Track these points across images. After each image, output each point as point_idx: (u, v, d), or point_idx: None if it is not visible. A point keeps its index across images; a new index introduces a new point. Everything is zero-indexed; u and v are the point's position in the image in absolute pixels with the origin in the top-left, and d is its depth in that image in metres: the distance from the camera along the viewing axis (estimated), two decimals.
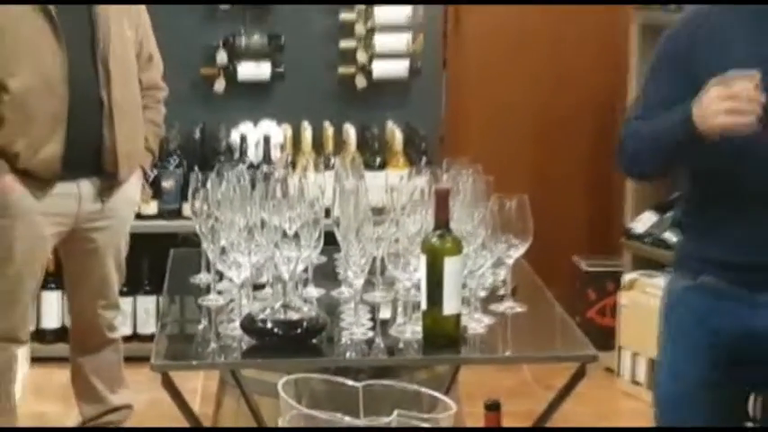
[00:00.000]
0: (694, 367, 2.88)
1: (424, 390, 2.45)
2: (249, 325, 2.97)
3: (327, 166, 4.21)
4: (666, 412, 3.00)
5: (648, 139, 2.88)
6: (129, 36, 4.06)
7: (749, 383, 2.99)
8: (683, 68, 2.84)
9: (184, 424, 3.18)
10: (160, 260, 3.82)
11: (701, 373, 2.87)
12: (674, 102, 2.78)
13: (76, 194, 4.01)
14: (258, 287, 3.18)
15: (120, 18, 4.03)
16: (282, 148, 5.34)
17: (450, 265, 2.87)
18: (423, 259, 2.90)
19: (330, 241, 3.16)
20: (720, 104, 2.58)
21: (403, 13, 5.53)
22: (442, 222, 2.90)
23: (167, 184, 5.27)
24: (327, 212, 3.26)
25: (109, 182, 4.05)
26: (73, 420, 4.44)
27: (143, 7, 4.19)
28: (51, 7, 3.87)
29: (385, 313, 3.11)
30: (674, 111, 2.75)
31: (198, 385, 4.54)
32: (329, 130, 5.41)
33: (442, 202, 2.92)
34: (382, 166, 5.17)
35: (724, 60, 2.71)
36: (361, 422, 2.27)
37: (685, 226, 3.05)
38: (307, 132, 5.36)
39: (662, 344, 3.03)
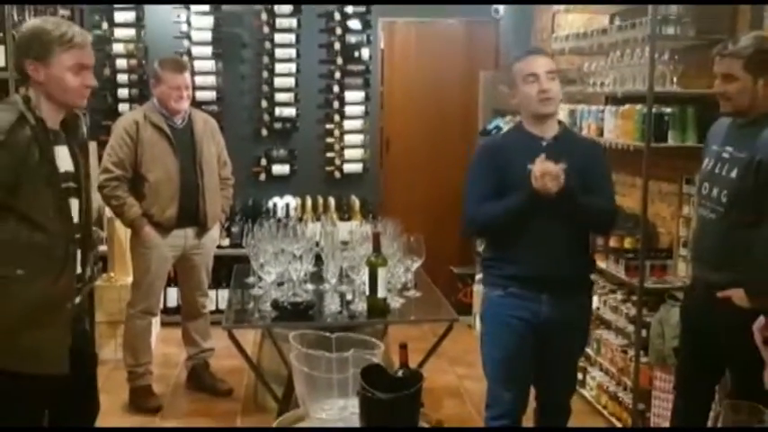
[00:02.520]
0: (510, 343, 2.64)
1: (368, 338, 2.45)
2: (275, 305, 2.99)
3: (319, 219, 4.22)
4: (494, 372, 2.71)
5: (500, 208, 2.56)
6: (213, 150, 4.03)
7: (541, 351, 2.68)
8: (492, 172, 2.63)
9: (243, 361, 3.18)
10: (230, 270, 3.78)
11: (515, 347, 2.64)
12: (490, 193, 2.58)
13: (184, 236, 3.97)
14: (280, 284, 3.17)
15: (208, 140, 4.01)
16: (295, 210, 5.33)
17: (381, 271, 2.90)
18: (366, 269, 2.91)
19: (319, 259, 3.18)
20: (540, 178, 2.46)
21: (359, 138, 5.56)
22: (376, 249, 2.92)
23: (234, 229, 5.24)
24: (318, 244, 3.28)
25: (202, 229, 4.01)
26: (182, 356, 4.38)
27: (220, 134, 4.15)
28: (171, 134, 3.86)
29: (348, 297, 3.12)
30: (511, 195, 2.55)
31: (250, 338, 4.49)
32: (320, 200, 5.40)
33: (376, 238, 2.95)
34: (348, 219, 5.15)
35: (511, 169, 2.58)
36: (334, 356, 2.26)
37: (491, 255, 2.73)
38: (308, 202, 5.35)
39: (485, 332, 2.74)
